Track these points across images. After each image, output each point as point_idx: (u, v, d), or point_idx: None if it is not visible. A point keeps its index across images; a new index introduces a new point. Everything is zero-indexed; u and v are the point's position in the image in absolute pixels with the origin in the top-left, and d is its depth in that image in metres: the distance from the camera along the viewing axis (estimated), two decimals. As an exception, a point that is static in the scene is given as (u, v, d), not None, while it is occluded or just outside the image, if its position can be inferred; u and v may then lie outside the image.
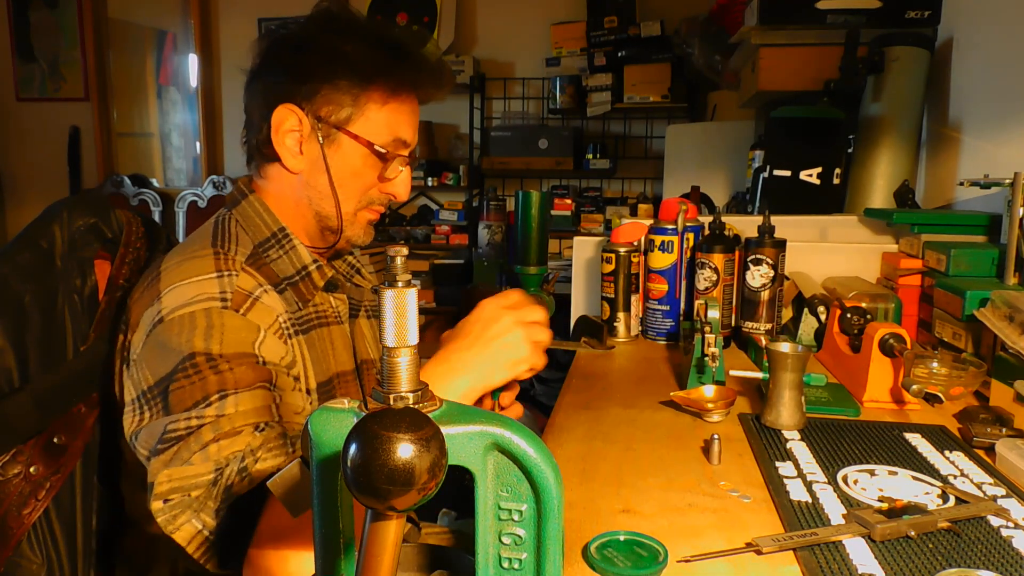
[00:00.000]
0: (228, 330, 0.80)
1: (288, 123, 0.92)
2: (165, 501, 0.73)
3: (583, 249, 1.63)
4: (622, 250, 1.36)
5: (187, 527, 0.72)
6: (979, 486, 0.74)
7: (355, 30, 0.94)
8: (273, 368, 0.82)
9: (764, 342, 1.03)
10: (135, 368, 0.82)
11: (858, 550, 0.61)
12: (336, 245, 0.99)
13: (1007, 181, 1.11)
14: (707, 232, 1.33)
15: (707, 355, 1.03)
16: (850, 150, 1.86)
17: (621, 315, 1.38)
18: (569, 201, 3.73)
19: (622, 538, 0.63)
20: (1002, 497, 0.71)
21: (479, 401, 0.87)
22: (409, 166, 1.00)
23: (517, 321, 0.84)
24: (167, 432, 0.76)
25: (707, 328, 1.04)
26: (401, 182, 0.99)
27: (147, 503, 0.75)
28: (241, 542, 0.72)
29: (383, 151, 0.94)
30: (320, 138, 0.92)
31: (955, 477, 0.76)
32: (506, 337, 0.83)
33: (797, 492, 0.72)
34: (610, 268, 1.37)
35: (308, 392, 0.90)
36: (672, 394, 0.98)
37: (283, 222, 0.95)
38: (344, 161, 0.94)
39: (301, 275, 0.93)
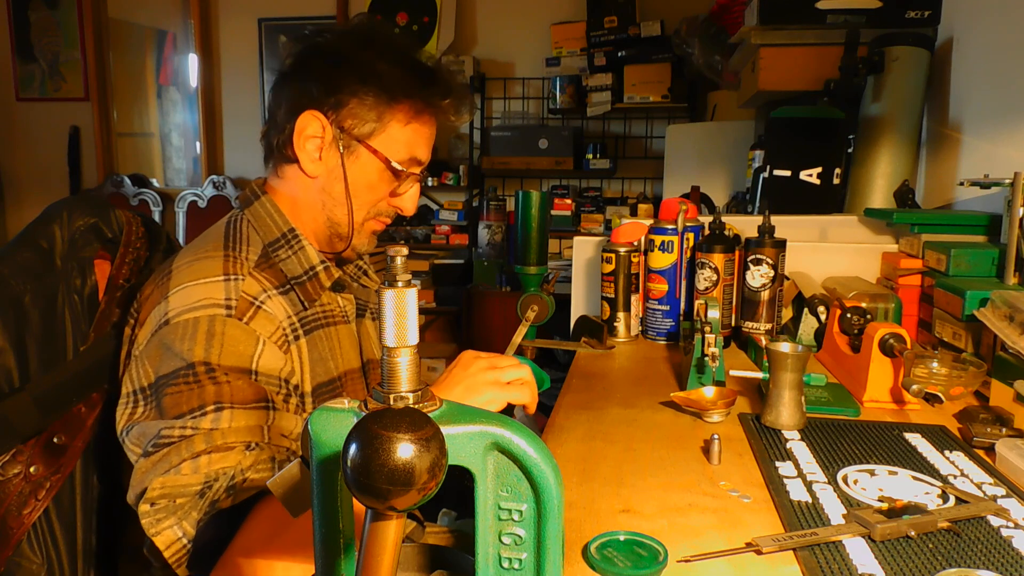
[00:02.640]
0: (228, 341, 0.81)
1: (311, 128, 0.94)
2: (152, 505, 0.75)
3: (583, 249, 1.63)
4: (622, 250, 1.36)
5: (168, 532, 0.74)
6: (979, 486, 0.74)
7: (390, 50, 0.96)
8: (268, 385, 0.84)
9: (764, 342, 1.03)
10: (136, 363, 0.83)
11: (858, 550, 0.61)
12: (343, 252, 1.02)
13: (1007, 181, 1.11)
14: (707, 232, 1.32)
15: (707, 355, 1.03)
16: (850, 150, 1.86)
17: (621, 315, 1.38)
18: (569, 201, 3.73)
19: (622, 538, 0.63)
20: (1002, 497, 0.71)
21: None
22: (419, 182, 1.03)
23: (488, 366, 0.91)
24: (160, 436, 0.77)
25: (707, 328, 1.04)
26: (410, 197, 1.02)
27: (132, 501, 0.77)
28: (216, 554, 0.74)
29: (399, 168, 0.97)
30: (341, 148, 0.95)
31: (955, 477, 0.76)
32: (474, 378, 0.90)
33: (797, 492, 0.72)
34: (610, 268, 1.37)
35: (301, 396, 0.91)
36: (672, 395, 0.98)
37: (294, 223, 0.97)
38: (361, 172, 0.96)
39: (309, 275, 0.95)
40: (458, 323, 3.61)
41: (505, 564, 0.42)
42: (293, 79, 0.97)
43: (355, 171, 0.96)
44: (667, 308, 1.35)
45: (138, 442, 0.80)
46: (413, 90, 0.95)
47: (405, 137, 0.96)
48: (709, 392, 0.97)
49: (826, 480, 0.75)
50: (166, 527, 0.74)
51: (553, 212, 3.65)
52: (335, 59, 0.95)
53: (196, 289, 0.84)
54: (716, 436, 0.82)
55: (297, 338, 0.91)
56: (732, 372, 1.08)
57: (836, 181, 1.77)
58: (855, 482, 0.75)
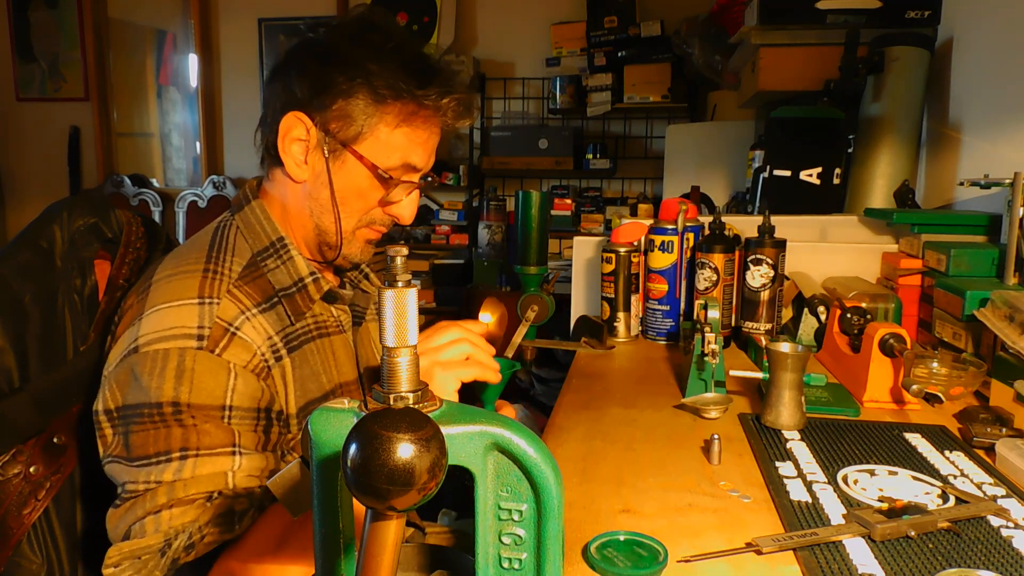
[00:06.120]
0: (198, 377, 0.78)
1: (295, 131, 0.88)
2: (116, 566, 0.75)
3: (583, 249, 1.63)
4: (622, 250, 1.36)
5: None
6: (979, 486, 0.74)
7: (385, 47, 0.89)
8: (240, 422, 0.80)
9: (764, 342, 1.03)
10: (105, 384, 0.82)
11: (858, 550, 0.61)
12: (334, 261, 0.96)
13: (1007, 181, 1.11)
14: (707, 232, 1.33)
15: (707, 353, 1.03)
16: (850, 150, 1.86)
17: (621, 315, 1.38)
18: (569, 201, 3.73)
19: (622, 538, 0.63)
20: (1002, 497, 0.71)
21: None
22: (419, 190, 0.96)
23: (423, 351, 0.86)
24: (126, 490, 0.78)
25: (707, 328, 1.04)
26: (406, 206, 0.95)
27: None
28: None
29: (387, 176, 0.90)
30: (326, 152, 0.89)
31: (955, 477, 0.76)
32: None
33: (797, 492, 0.72)
34: (610, 268, 1.37)
35: (285, 420, 0.87)
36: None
37: (284, 231, 0.92)
38: (348, 178, 0.90)
39: (297, 287, 0.90)
40: (458, 323, 3.60)
41: (505, 564, 0.42)
42: (282, 76, 0.90)
43: (342, 177, 0.90)
44: (667, 308, 1.35)
45: (111, 482, 0.81)
46: (406, 90, 0.87)
47: (396, 141, 0.89)
48: (711, 397, 0.97)
49: (826, 480, 0.75)
50: None
51: (553, 212, 3.65)
52: (324, 56, 0.88)
53: (169, 314, 0.81)
54: (716, 436, 0.82)
55: (280, 359, 0.86)
56: (732, 372, 1.08)
57: (836, 181, 1.77)
58: (855, 482, 0.75)
